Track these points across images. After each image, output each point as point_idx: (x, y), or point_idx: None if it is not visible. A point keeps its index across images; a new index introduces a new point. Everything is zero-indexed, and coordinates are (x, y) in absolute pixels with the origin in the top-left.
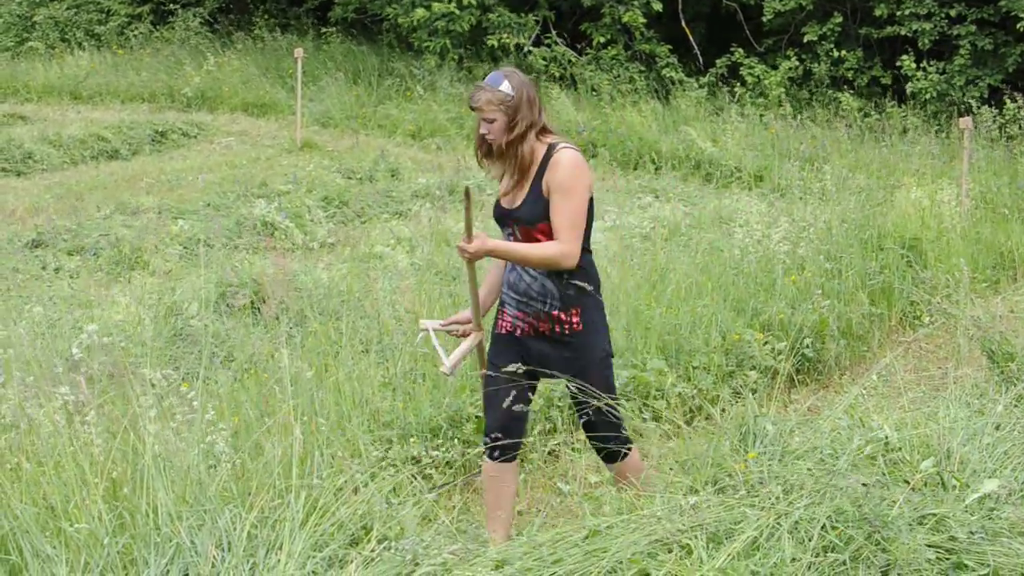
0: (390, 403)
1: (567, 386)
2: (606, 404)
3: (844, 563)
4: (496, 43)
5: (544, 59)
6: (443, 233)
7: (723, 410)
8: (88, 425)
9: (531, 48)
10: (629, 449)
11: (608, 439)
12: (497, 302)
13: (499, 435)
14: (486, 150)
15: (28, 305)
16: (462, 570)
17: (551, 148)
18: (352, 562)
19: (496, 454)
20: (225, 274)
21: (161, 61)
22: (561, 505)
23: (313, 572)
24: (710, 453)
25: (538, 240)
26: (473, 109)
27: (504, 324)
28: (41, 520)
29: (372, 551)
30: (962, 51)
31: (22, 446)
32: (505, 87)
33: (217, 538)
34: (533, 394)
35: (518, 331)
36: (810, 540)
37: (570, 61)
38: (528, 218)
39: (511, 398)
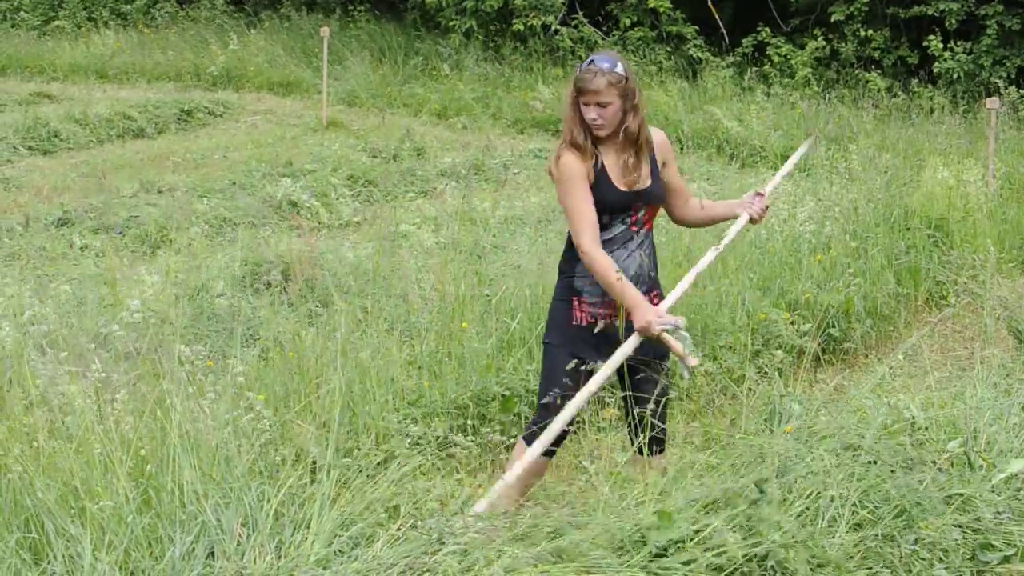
0: (416, 382)
1: (648, 370)
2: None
3: (875, 538)
4: (523, 26)
5: (571, 40)
6: (468, 212)
7: (749, 389)
8: (116, 403)
9: (559, 27)
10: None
11: (665, 430)
12: (576, 293)
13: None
14: (592, 136)
15: (54, 283)
16: (485, 550)
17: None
18: (378, 540)
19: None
20: (258, 252)
21: (187, 40)
22: (586, 484)
23: (339, 551)
24: (737, 432)
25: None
26: (587, 93)
27: (583, 316)
28: (65, 499)
29: (398, 530)
30: (989, 31)
31: (50, 424)
32: (620, 69)
33: (243, 516)
34: None
35: (600, 322)
36: (842, 518)
37: (596, 42)
38: (659, 195)
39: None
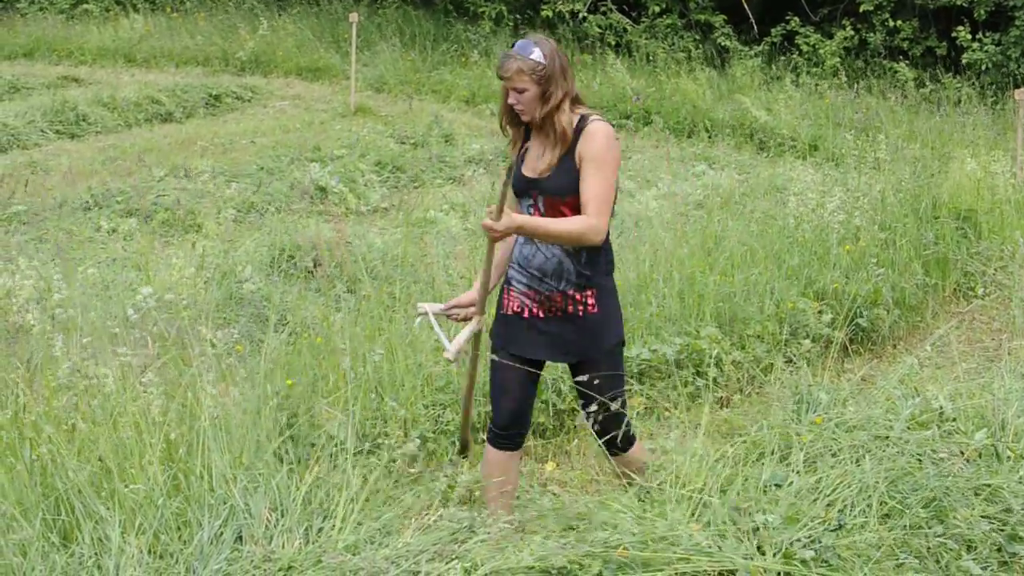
0: (444, 367)
1: (572, 372)
2: (613, 395)
3: (903, 529)
4: (552, 12)
5: (600, 27)
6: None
7: (777, 379)
8: (146, 386)
9: (586, 15)
10: (632, 440)
11: (613, 430)
12: (502, 281)
13: (508, 423)
14: (512, 120)
15: (82, 267)
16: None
17: (583, 119)
18: (409, 528)
19: (504, 443)
20: (285, 237)
21: (216, 25)
22: (613, 473)
23: (368, 537)
24: (765, 421)
25: (563, 213)
26: (501, 79)
27: (511, 304)
28: (96, 481)
29: (427, 518)
30: (1018, 22)
31: (79, 406)
32: (536, 55)
33: (272, 501)
34: (538, 379)
35: (526, 312)
36: (870, 508)
37: (625, 29)
38: (557, 189)
39: (519, 384)
